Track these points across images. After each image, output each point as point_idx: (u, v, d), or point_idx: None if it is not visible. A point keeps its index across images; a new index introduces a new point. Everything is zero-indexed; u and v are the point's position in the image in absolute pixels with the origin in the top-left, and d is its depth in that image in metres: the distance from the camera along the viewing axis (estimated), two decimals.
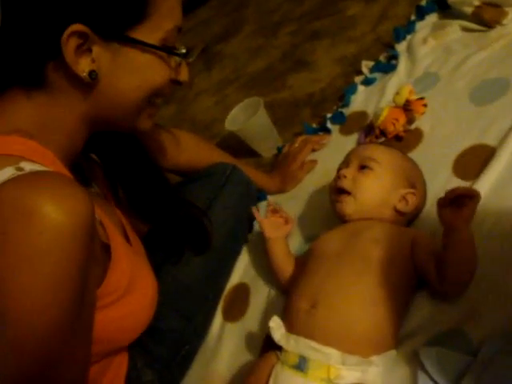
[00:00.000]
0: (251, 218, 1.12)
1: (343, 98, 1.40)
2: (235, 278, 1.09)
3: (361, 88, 1.39)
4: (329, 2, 2.02)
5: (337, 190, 0.92)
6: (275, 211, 1.02)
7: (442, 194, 0.77)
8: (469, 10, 1.24)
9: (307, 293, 0.78)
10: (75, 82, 0.61)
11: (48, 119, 0.63)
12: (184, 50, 0.69)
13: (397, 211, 0.89)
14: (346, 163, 0.95)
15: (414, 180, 0.93)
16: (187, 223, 0.95)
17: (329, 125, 1.33)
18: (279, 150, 1.38)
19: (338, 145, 1.26)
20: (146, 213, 0.92)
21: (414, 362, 0.72)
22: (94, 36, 0.59)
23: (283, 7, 2.29)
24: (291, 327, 0.77)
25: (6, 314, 0.49)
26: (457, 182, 0.94)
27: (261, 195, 1.22)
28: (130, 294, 0.69)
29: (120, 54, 0.62)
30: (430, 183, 0.97)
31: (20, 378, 0.52)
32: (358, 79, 1.43)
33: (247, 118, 1.34)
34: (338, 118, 1.32)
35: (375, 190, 0.89)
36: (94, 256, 0.58)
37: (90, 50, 0.60)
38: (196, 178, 1.11)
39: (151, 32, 0.63)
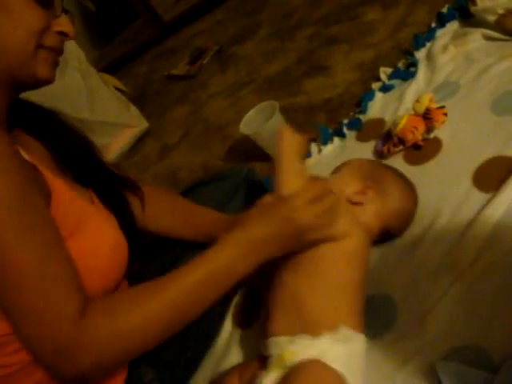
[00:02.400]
0: None
1: (360, 104, 1.38)
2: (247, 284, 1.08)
3: (378, 95, 1.37)
4: (346, 7, 2.01)
5: None
6: None
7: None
8: (492, 18, 1.22)
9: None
10: None
11: None
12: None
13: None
14: None
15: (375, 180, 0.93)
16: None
17: (345, 131, 1.32)
18: None
19: (354, 151, 1.25)
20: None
21: (431, 375, 0.71)
22: None
23: (300, 11, 2.28)
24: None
25: None
26: (477, 194, 0.92)
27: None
28: (80, 236, 0.69)
29: None
30: (449, 194, 0.96)
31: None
32: (375, 86, 1.42)
33: (262, 122, 1.33)
34: (355, 125, 1.31)
35: None
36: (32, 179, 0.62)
37: None
38: (211, 180, 1.10)
39: None
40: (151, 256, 1.02)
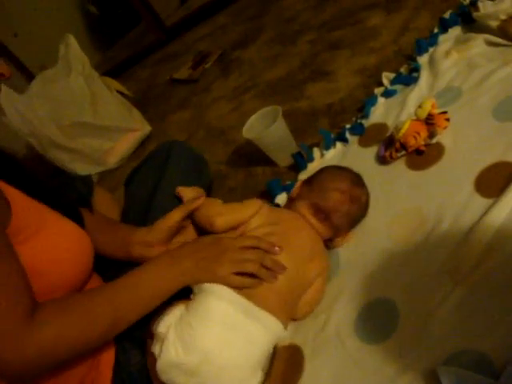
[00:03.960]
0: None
1: (363, 109, 1.38)
2: None
3: (381, 100, 1.37)
4: (349, 12, 2.02)
5: None
6: None
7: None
8: (494, 23, 1.23)
9: None
10: None
11: None
12: None
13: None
14: None
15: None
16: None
17: (347, 136, 1.32)
18: (295, 157, 1.36)
19: (356, 157, 1.25)
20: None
21: (433, 380, 0.71)
22: None
23: (303, 16, 2.29)
24: None
25: None
26: (479, 200, 0.92)
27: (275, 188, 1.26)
28: (43, 233, 0.73)
29: None
30: (451, 199, 0.96)
31: None
32: (378, 91, 1.42)
33: (265, 127, 1.33)
34: (357, 130, 1.31)
35: None
36: None
37: None
38: (142, 163, 1.17)
39: None
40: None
